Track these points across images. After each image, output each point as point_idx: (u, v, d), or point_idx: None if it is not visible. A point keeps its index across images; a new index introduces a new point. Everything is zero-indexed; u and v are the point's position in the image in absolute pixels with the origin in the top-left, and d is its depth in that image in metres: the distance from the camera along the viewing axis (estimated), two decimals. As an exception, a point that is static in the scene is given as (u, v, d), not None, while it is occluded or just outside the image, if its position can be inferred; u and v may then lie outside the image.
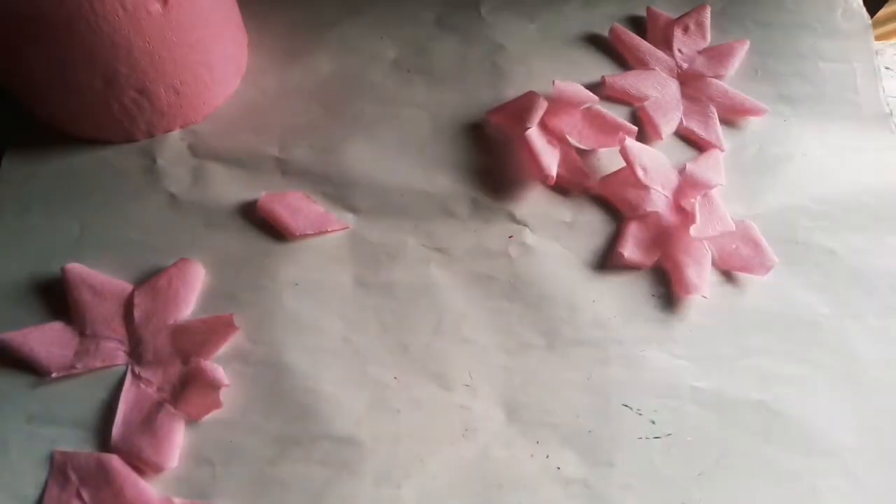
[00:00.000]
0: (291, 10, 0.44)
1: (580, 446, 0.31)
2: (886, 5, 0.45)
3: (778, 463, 0.31)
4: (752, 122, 0.40)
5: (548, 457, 0.31)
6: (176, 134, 0.39)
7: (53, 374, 0.31)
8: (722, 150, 0.38)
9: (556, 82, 0.37)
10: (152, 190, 0.37)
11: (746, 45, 0.42)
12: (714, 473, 0.31)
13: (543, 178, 0.36)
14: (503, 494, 0.30)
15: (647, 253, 0.35)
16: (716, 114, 0.39)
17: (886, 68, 0.44)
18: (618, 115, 0.38)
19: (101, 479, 0.29)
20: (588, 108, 0.38)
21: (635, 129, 0.37)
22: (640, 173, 0.35)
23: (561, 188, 0.37)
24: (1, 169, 0.38)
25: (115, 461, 0.30)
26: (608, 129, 0.38)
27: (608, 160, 0.38)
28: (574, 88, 0.37)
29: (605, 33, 0.43)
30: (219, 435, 0.31)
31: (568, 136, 0.37)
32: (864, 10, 0.43)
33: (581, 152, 0.38)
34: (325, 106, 0.40)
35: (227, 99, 0.40)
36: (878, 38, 0.44)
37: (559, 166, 0.37)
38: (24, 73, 0.36)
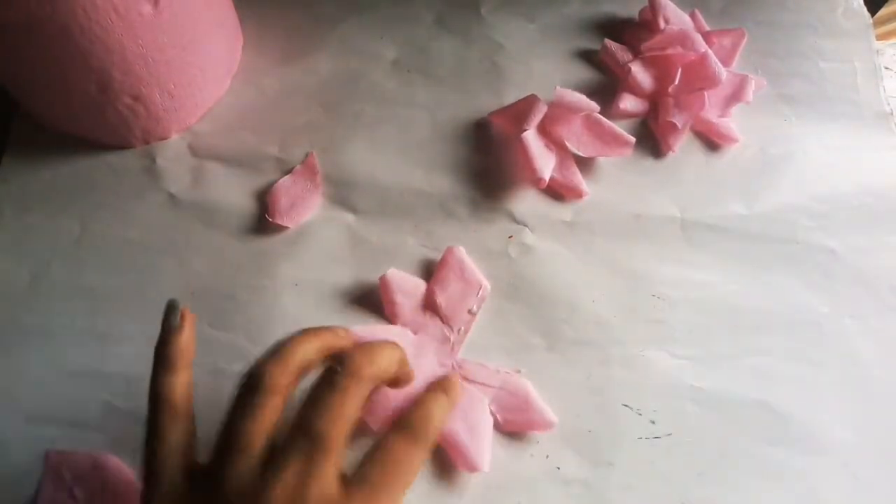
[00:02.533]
0: (291, 11, 0.44)
1: (580, 446, 0.31)
2: (886, 5, 0.45)
3: (778, 463, 0.31)
4: (753, 122, 0.39)
5: (547, 457, 0.31)
6: (176, 134, 0.39)
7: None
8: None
9: (558, 88, 0.37)
10: (152, 190, 0.38)
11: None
12: (714, 473, 0.31)
13: (535, 181, 0.36)
14: (503, 494, 0.30)
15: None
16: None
17: (886, 68, 0.44)
18: (623, 126, 0.38)
19: (95, 478, 0.29)
20: (587, 116, 0.38)
21: (633, 139, 0.37)
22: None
23: (555, 193, 0.37)
24: (1, 169, 0.38)
25: (110, 461, 0.30)
26: (607, 138, 0.37)
27: (606, 168, 0.38)
28: (575, 95, 0.37)
29: (606, 33, 0.43)
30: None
31: (567, 143, 0.37)
32: (864, 9, 0.43)
33: (579, 159, 0.38)
34: (325, 106, 0.40)
35: (218, 100, 0.40)
36: (878, 37, 0.44)
37: (554, 171, 0.37)
38: (20, 79, 0.36)
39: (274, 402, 0.23)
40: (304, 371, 0.25)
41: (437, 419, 0.25)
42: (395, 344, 0.26)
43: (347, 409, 0.23)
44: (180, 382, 0.25)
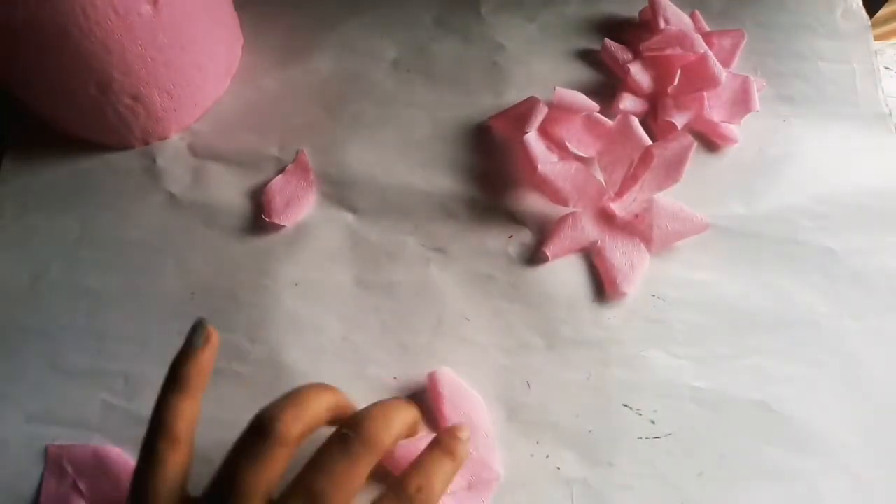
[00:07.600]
0: (291, 10, 0.44)
1: (580, 446, 0.31)
2: (886, 5, 0.45)
3: (778, 463, 0.31)
4: (752, 123, 0.39)
5: (548, 457, 0.31)
6: (175, 134, 0.39)
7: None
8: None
9: (557, 89, 0.37)
10: (152, 190, 0.38)
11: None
12: (714, 473, 0.31)
13: (537, 182, 0.36)
14: (503, 494, 0.30)
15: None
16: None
17: (886, 68, 0.44)
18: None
19: (98, 469, 0.29)
20: (588, 116, 0.38)
21: None
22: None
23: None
24: (1, 169, 0.38)
25: (111, 451, 0.30)
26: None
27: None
28: (574, 96, 0.37)
29: (606, 33, 0.43)
30: (218, 436, 0.31)
31: (567, 143, 0.37)
32: (863, 10, 0.43)
33: (580, 160, 0.38)
34: (325, 106, 0.40)
35: (217, 99, 0.40)
36: (877, 38, 0.44)
37: None
38: (20, 79, 0.36)
39: (282, 453, 0.22)
40: (315, 426, 0.23)
41: (437, 489, 0.23)
42: (410, 405, 0.25)
43: (356, 477, 0.22)
44: (188, 408, 0.23)
